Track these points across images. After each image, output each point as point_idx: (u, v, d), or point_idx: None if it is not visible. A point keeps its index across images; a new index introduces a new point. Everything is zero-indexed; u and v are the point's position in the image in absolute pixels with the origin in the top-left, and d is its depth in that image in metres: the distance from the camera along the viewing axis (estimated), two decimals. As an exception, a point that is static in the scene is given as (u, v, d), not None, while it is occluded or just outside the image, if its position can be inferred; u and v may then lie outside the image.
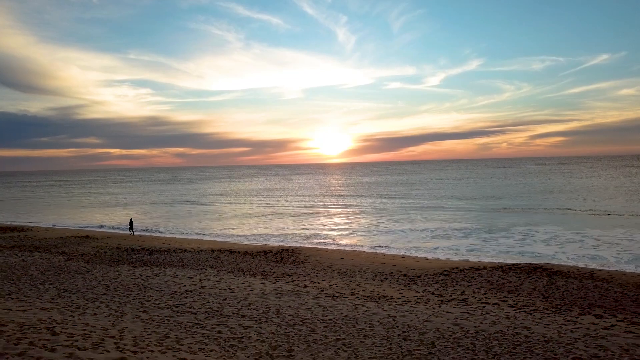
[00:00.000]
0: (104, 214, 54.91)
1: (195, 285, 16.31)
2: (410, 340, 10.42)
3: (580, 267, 20.54)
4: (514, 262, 22.70)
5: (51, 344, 9.14)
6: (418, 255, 25.64)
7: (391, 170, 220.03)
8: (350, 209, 53.59)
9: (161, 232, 38.48)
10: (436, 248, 28.22)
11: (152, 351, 9.11)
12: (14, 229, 38.50)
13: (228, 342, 10.10)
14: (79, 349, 9.01)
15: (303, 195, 78.41)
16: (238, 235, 35.63)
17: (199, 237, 35.01)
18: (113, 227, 41.88)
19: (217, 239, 34.14)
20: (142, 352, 8.98)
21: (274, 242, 31.73)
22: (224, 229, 39.65)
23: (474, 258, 24.62)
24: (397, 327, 11.42)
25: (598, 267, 20.76)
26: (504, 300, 14.53)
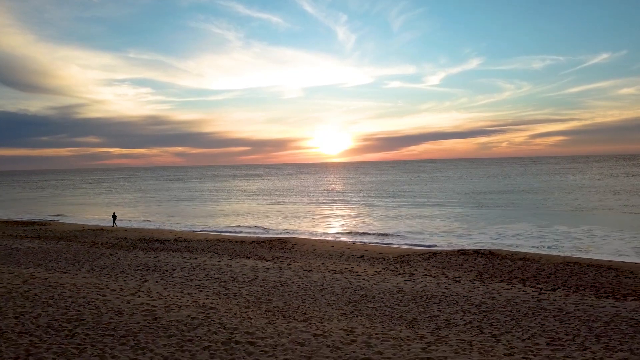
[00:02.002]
0: (105, 212, 58.75)
1: (200, 263, 20.20)
2: (357, 295, 14.31)
3: (518, 252, 24.46)
4: (469, 248, 26.57)
5: (102, 292, 13.04)
6: (392, 244, 29.52)
7: (390, 170, 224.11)
8: (343, 206, 57.46)
9: (168, 226, 42.35)
10: (411, 241, 32.02)
11: (172, 298, 12.99)
12: (34, 223, 42.42)
13: (226, 295, 13.98)
14: (121, 296, 12.90)
15: (300, 194, 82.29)
16: (237, 229, 39.48)
17: (202, 230, 38.86)
18: (117, 223, 45.69)
19: (218, 231, 38.02)
20: (165, 299, 12.87)
21: (269, 235, 35.56)
22: (225, 223, 43.49)
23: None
24: (351, 288, 15.31)
25: (534, 252, 24.65)
26: (445, 275, 18.39)
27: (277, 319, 11.07)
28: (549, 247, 27.22)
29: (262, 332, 9.73)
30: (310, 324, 10.68)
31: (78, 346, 8.65)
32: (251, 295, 14.00)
